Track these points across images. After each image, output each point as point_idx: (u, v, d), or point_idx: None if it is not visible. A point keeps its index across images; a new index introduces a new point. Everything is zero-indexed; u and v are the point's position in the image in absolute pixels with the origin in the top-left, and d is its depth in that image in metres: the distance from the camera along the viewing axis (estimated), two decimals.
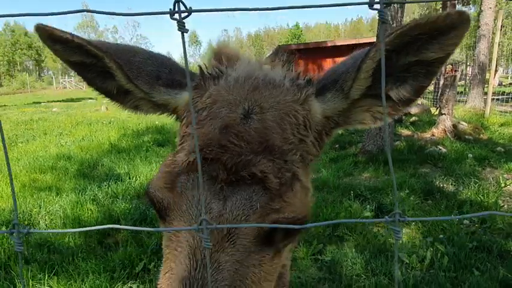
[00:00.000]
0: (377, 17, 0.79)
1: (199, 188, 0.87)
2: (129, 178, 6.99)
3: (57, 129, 13.87)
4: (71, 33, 0.99)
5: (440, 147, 8.39)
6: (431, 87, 24.28)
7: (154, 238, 4.36)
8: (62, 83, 63.45)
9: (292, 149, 0.97)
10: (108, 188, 6.25)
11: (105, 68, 1.09)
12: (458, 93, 16.53)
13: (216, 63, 1.17)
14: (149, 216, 5.05)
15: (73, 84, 62.12)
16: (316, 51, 23.00)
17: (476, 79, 15.72)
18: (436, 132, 9.63)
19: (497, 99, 16.54)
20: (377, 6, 0.67)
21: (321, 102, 1.05)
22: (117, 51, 1.09)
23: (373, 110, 1.03)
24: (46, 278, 3.70)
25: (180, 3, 0.52)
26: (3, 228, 4.54)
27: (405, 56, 0.91)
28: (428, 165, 7.56)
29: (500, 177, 6.42)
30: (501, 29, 17.73)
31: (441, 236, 4.45)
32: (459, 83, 22.55)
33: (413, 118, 12.83)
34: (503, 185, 6.09)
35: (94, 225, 4.69)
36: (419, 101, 17.28)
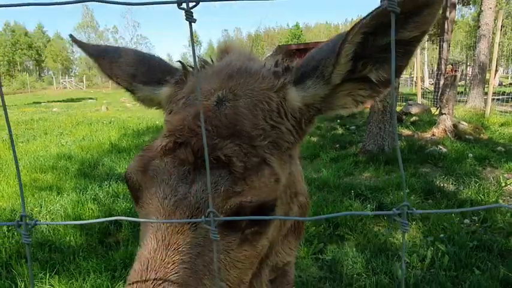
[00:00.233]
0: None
1: (205, 176, 0.87)
2: None
3: (57, 129, 13.87)
4: (71, 35, 1.29)
5: (441, 147, 8.39)
6: (431, 87, 24.30)
7: None
8: (62, 83, 63.39)
9: (262, 135, 0.98)
10: (109, 188, 6.26)
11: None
12: (458, 93, 16.52)
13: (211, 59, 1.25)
14: None
15: (73, 84, 62.11)
16: None
17: (476, 79, 15.72)
18: (437, 132, 9.63)
19: (498, 99, 16.52)
20: None
21: (300, 90, 1.05)
22: (104, 52, 1.30)
23: (355, 94, 1.03)
24: (47, 277, 3.70)
25: None
26: (5, 228, 4.55)
27: (382, 37, 0.92)
28: (429, 164, 7.56)
29: (501, 176, 6.43)
30: (501, 29, 17.72)
31: (442, 235, 4.45)
32: (459, 83, 22.52)
33: (414, 118, 12.84)
34: (503, 184, 6.09)
35: (95, 225, 4.69)
36: (420, 100, 17.31)
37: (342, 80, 1.01)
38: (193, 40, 0.54)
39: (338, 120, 13.02)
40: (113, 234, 4.67)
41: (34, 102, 30.43)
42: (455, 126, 9.67)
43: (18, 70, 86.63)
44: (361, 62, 0.97)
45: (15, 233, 4.52)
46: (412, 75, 33.25)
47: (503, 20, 21.15)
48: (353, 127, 12.31)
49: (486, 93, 14.76)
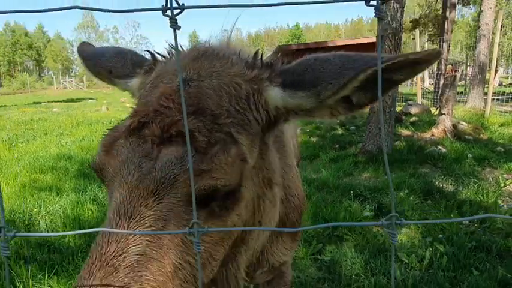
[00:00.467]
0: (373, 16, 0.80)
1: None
2: None
3: (57, 129, 13.87)
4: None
5: (440, 147, 8.38)
6: (431, 88, 24.26)
7: None
8: (62, 83, 63.40)
9: (226, 114, 1.00)
10: None
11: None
12: (458, 93, 16.52)
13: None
14: None
15: (73, 84, 62.13)
16: (317, 52, 22.82)
17: (476, 79, 15.71)
18: (436, 132, 9.63)
19: (498, 99, 16.51)
20: (373, 2, 0.68)
21: (286, 95, 1.07)
22: (93, 54, 1.43)
23: (334, 109, 1.08)
24: (46, 277, 3.70)
25: (173, 0, 0.52)
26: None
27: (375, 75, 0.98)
28: (428, 165, 7.56)
29: (500, 177, 6.43)
30: (501, 29, 17.71)
31: (440, 235, 4.45)
32: (459, 83, 22.53)
33: (413, 118, 12.83)
34: (502, 185, 6.09)
35: (94, 225, 4.69)
36: (420, 101, 17.29)
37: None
38: (177, 45, 0.54)
39: (337, 121, 13.02)
40: None
41: (34, 103, 30.44)
42: (454, 126, 9.67)
43: (18, 70, 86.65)
44: None
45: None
46: None
47: (503, 20, 21.13)
48: (353, 127, 12.31)
49: (486, 93, 14.75)
